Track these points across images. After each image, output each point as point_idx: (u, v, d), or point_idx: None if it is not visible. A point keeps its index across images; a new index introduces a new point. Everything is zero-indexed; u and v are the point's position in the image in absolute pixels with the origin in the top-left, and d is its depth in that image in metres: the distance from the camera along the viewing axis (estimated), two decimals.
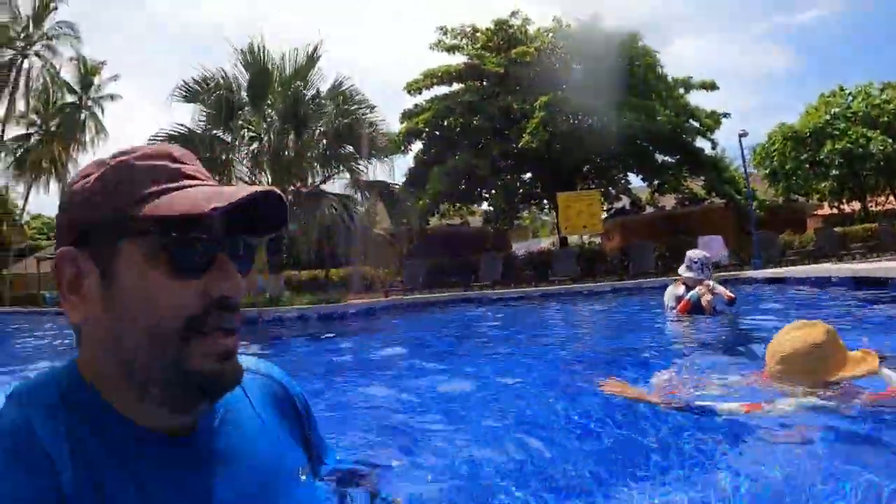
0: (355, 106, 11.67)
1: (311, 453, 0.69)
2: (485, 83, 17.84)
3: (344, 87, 11.37)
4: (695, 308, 4.13)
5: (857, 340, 2.83)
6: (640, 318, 5.96)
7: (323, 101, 11.43)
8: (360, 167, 11.74)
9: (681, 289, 4.37)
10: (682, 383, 1.93)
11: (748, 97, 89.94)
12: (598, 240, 21.90)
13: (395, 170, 19.56)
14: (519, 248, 23.16)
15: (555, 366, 3.31)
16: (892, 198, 21.61)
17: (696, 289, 4.17)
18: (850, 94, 20.44)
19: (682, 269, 4.39)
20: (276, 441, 0.63)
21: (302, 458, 0.65)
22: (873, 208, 21.43)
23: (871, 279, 5.28)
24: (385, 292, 13.44)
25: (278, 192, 0.55)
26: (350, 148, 11.60)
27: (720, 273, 10.24)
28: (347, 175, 11.74)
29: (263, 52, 10.65)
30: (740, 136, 15.24)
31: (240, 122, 10.65)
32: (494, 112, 16.76)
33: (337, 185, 12.13)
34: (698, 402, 1.65)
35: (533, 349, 4.21)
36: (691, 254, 4.35)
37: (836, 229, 16.34)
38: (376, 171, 11.89)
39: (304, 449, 0.68)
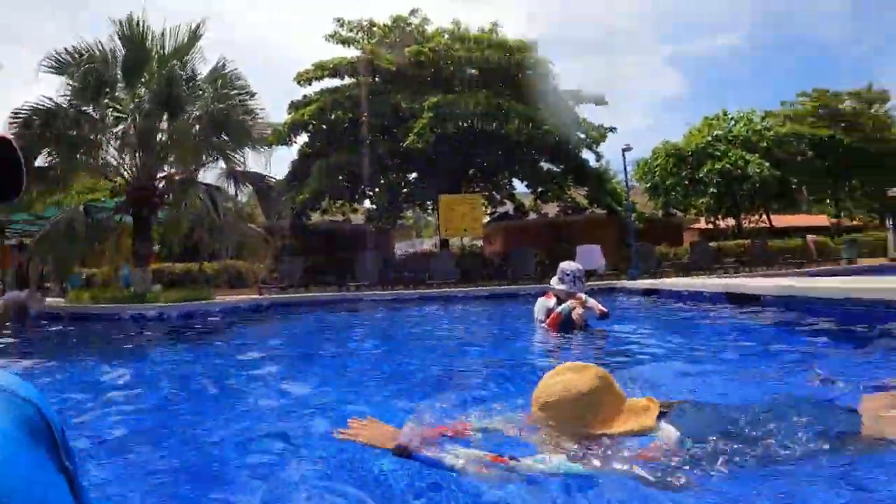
0: (235, 91, 12.54)
1: (74, 489, 0.60)
2: (376, 79, 19.89)
3: (226, 71, 12.27)
4: (565, 322, 4.46)
5: (722, 353, 3.55)
6: (509, 327, 6.71)
7: (201, 84, 12.30)
8: (236, 157, 12.57)
9: (552, 301, 4.72)
10: (433, 424, 1.90)
11: (641, 117, 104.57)
12: (479, 243, 24.82)
13: (280, 162, 20.69)
14: (402, 248, 25.08)
15: (372, 378, 3.75)
16: (764, 217, 26.05)
17: (568, 302, 4.51)
18: (732, 118, 25.12)
19: (554, 281, 4.76)
20: (28, 467, 0.53)
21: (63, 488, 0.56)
22: (747, 225, 25.81)
23: (742, 295, 6.12)
24: (259, 289, 14.66)
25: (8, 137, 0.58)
26: (226, 136, 12.31)
27: (597, 282, 12.29)
28: (224, 164, 12.62)
29: (143, 26, 11.29)
30: (624, 150, 18.44)
31: (106, 101, 11.25)
32: (384, 109, 18.77)
33: (212, 174, 12.99)
34: (435, 452, 1.60)
35: (371, 358, 4.82)
36: (564, 266, 4.73)
37: (711, 244, 20.27)
38: (253, 161, 12.77)
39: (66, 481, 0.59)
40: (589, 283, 10.97)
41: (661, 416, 1.64)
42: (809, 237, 21.05)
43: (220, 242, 12.40)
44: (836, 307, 4.41)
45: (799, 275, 13.47)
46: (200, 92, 12.11)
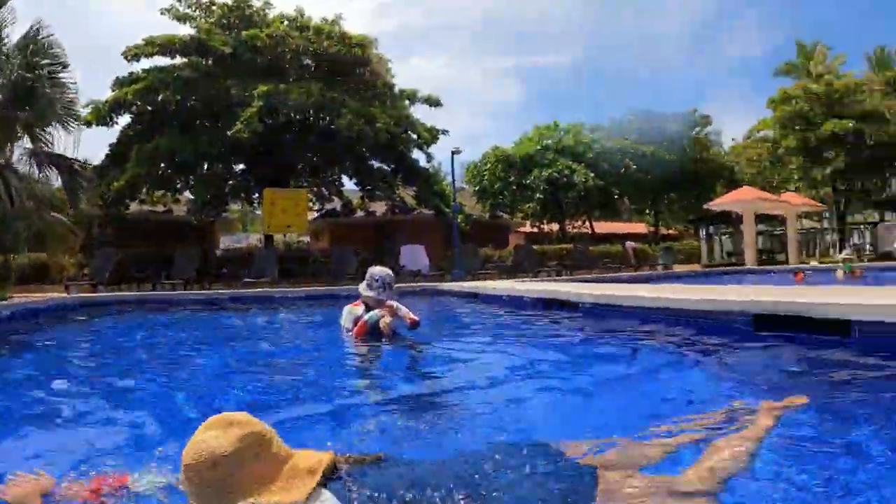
0: (47, 61, 12.95)
1: None
2: (209, 62, 21.53)
3: (41, 37, 12.65)
4: (373, 331, 4.62)
5: (530, 368, 3.98)
6: (317, 335, 6.95)
7: (7, 51, 12.66)
8: (43, 135, 13.21)
9: (360, 308, 4.92)
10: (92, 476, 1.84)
11: (478, 122, 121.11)
12: (307, 240, 27.89)
13: (99, 144, 21.04)
14: (228, 242, 27.18)
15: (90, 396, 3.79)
16: (587, 223, 31.79)
17: (376, 310, 4.69)
18: (563, 129, 30.19)
19: (362, 287, 4.92)
20: None
21: None
22: (570, 230, 31.45)
23: (560, 301, 6.80)
24: (66, 287, 15.26)
25: None
26: (30, 110, 12.66)
27: (419, 283, 13.69)
28: (31, 143, 13.25)
29: None
30: (453, 152, 22.01)
31: None
32: (214, 94, 20.43)
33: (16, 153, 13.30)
34: None
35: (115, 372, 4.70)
36: (374, 271, 4.92)
37: (535, 247, 25.00)
38: (64, 141, 13.28)
39: None
40: (411, 284, 13.82)
41: (335, 478, 1.50)
42: (628, 244, 26.00)
43: (12, 232, 12.30)
44: (657, 315, 5.24)
45: (615, 280, 15.77)
46: (5, 58, 12.50)
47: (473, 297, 10.24)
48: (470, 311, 9.45)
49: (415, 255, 19.99)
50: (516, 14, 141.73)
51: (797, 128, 31.68)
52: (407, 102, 24.10)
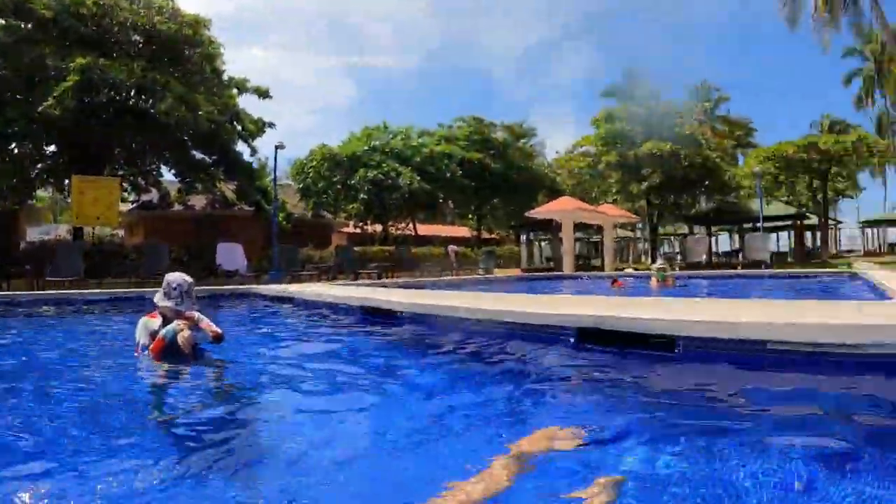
0: None
1: None
2: (29, 26, 21.74)
3: None
4: (170, 347, 4.67)
5: (334, 394, 4.18)
6: (114, 350, 6.33)
7: None
8: None
9: (157, 321, 5.01)
10: None
11: (310, 118, 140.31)
12: (121, 233, 29.90)
13: None
14: (36, 234, 28.09)
15: None
16: (411, 225, 35.93)
17: (175, 322, 4.77)
18: (392, 132, 34.30)
19: (158, 297, 5.00)
20: None
21: None
22: (394, 232, 35.55)
23: (378, 309, 7.27)
24: None
25: None
26: None
27: (233, 286, 13.87)
28: None
29: None
30: (277, 147, 23.74)
31: None
32: (28, 63, 20.79)
33: None
34: None
35: None
36: (171, 278, 5.01)
37: (357, 248, 28.26)
38: None
39: None
40: (223, 287, 13.25)
41: None
42: (451, 247, 29.93)
43: None
44: (478, 327, 5.67)
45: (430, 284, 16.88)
46: None
47: (289, 301, 10.60)
48: (283, 317, 9.84)
49: (232, 254, 20.83)
50: (356, 12, 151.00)
51: (618, 145, 37.94)
52: (235, 91, 26.32)
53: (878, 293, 9.62)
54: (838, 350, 3.50)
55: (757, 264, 22.14)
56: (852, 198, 62.73)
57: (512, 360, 4.81)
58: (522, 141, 46.03)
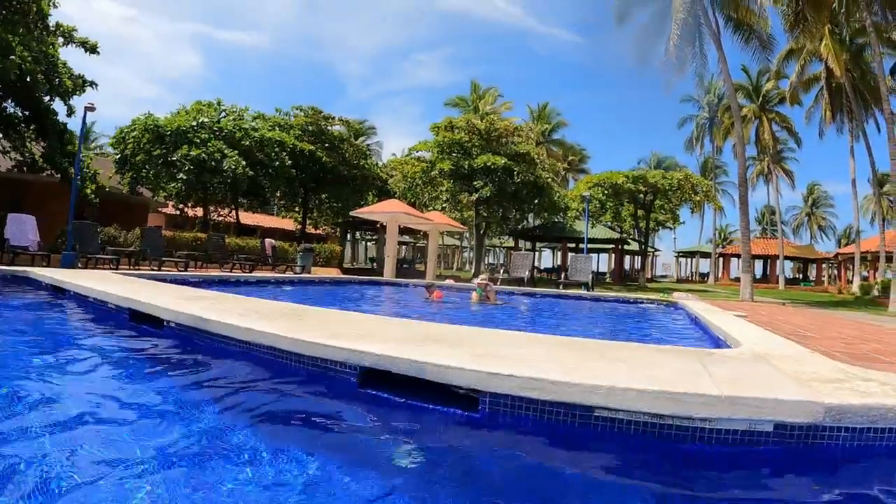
0: None
1: None
2: None
3: None
4: None
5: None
6: None
7: None
8: None
9: None
10: None
11: (150, 87, 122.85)
12: None
13: None
14: None
15: None
16: (234, 213, 35.14)
17: None
18: (224, 110, 33.67)
19: None
20: None
21: None
22: (215, 218, 34.38)
23: (145, 315, 6.38)
24: None
25: None
26: None
27: (13, 267, 12.51)
28: None
29: None
30: (87, 108, 21.62)
31: None
32: None
33: None
34: None
35: None
36: None
37: (168, 233, 27.48)
38: None
39: None
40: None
41: None
42: (267, 241, 29.69)
43: None
44: (252, 353, 4.79)
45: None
46: None
47: (61, 292, 9.29)
48: (50, 313, 8.43)
49: (22, 228, 18.84)
50: None
51: (454, 154, 38.99)
52: (61, 41, 24.84)
53: (701, 327, 9.51)
54: (687, 424, 3.11)
55: (578, 285, 23.09)
56: (671, 229, 67.16)
57: (261, 398, 4.11)
58: (361, 139, 46.40)
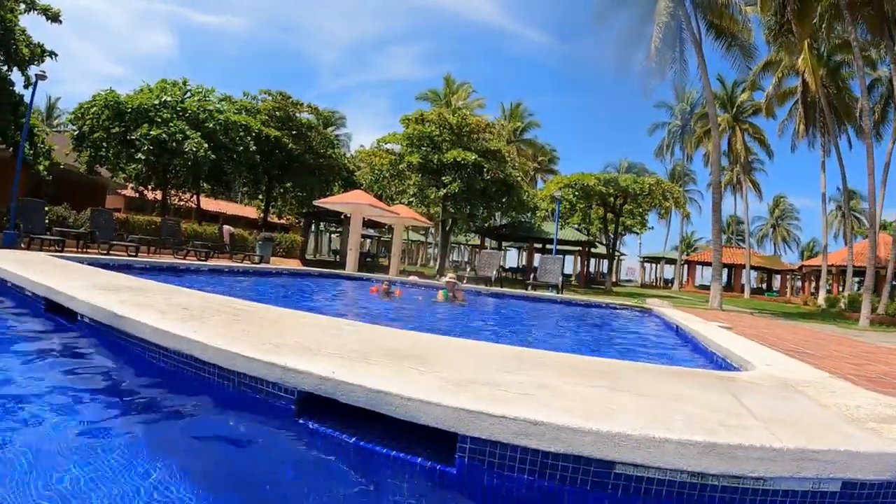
0: None
1: None
2: None
3: None
4: None
5: None
6: None
7: None
8: None
9: None
10: None
11: (119, 67, 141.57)
12: None
13: None
14: None
15: None
16: (195, 198, 33.96)
17: None
18: (189, 90, 33.10)
19: None
20: None
21: None
22: (175, 203, 33.29)
23: (59, 306, 5.57)
24: None
25: None
26: None
27: None
28: None
29: None
30: (38, 77, 21.36)
31: None
32: None
33: None
34: None
35: None
36: None
37: (120, 215, 25.87)
38: None
39: None
40: None
41: None
42: (225, 228, 28.72)
43: None
44: (167, 360, 3.90)
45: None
46: None
47: None
48: None
49: None
50: None
51: (424, 148, 38.12)
52: (23, 7, 24.14)
53: (688, 339, 8.88)
54: (735, 485, 2.42)
55: (547, 286, 22.38)
56: (637, 234, 67.17)
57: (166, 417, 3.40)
58: (330, 129, 45.41)
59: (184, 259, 20.85)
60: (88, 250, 19.13)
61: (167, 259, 18.97)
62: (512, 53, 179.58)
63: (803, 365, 5.43)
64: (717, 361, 6.53)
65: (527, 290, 22.08)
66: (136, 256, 18.68)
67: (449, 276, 14.61)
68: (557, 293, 21.29)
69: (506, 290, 20.51)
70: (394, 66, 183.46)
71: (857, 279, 43.60)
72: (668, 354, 8.48)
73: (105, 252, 18.53)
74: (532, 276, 26.75)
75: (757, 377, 4.38)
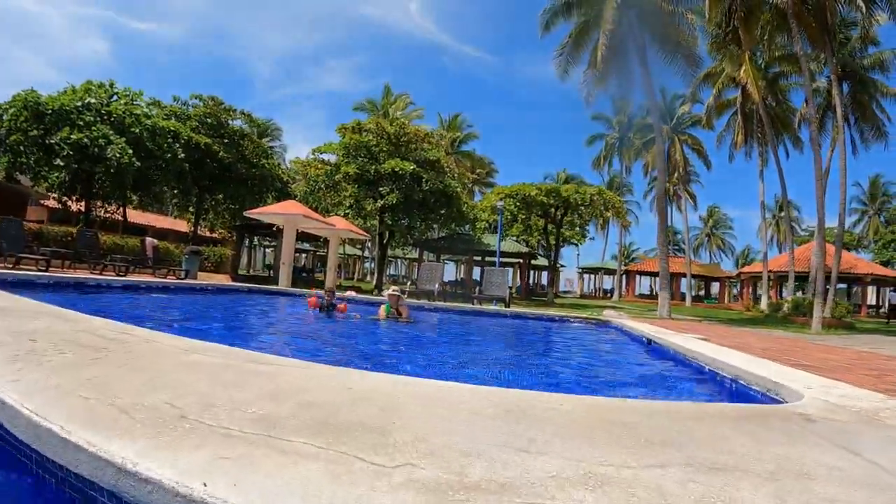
0: None
1: None
2: None
3: None
4: None
5: None
6: None
7: None
8: None
9: None
10: None
11: (53, 73, 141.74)
12: None
13: None
14: None
15: None
16: (122, 209, 31.99)
17: None
18: (116, 93, 31.59)
19: None
20: None
21: None
22: (100, 215, 31.37)
23: None
24: None
25: None
26: None
27: None
28: None
29: None
30: None
31: None
32: None
33: None
34: None
35: None
36: None
37: (32, 225, 25.23)
38: None
39: None
40: None
41: None
42: (148, 239, 27.09)
43: None
44: None
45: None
46: None
47: None
48: None
49: None
50: None
51: (360, 158, 36.80)
52: None
53: (671, 356, 7.94)
54: None
55: (492, 300, 21.27)
56: (576, 244, 67.01)
57: None
58: (265, 140, 43.91)
59: (99, 274, 19.03)
60: None
61: (82, 274, 17.15)
62: (449, 68, 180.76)
63: (840, 384, 4.65)
64: (728, 385, 5.46)
65: (473, 304, 20.91)
66: (45, 271, 17.03)
67: (392, 290, 13.11)
68: (505, 307, 20.27)
69: (450, 304, 19.65)
70: (330, 78, 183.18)
71: (794, 284, 43.97)
72: (667, 378, 7.10)
73: (10, 266, 16.90)
74: (477, 289, 25.70)
75: (820, 410, 3.51)
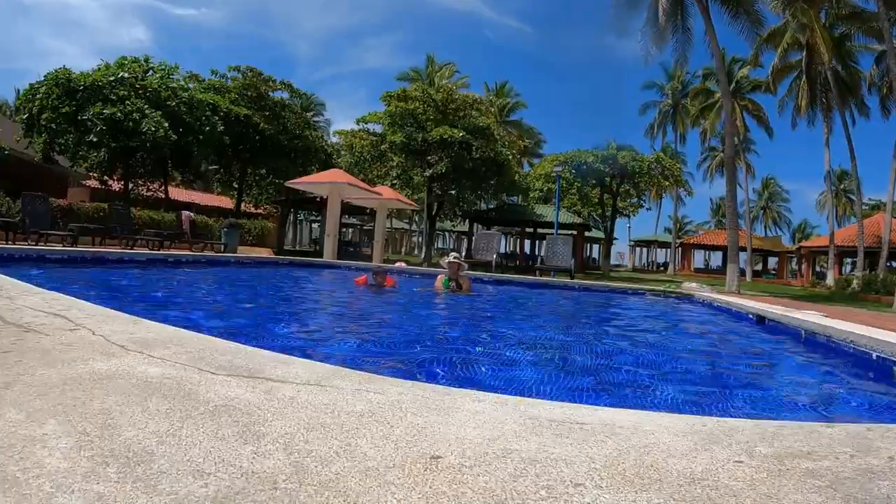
0: None
1: None
2: None
3: None
4: None
5: None
6: None
7: None
8: None
9: None
10: None
11: (91, 60, 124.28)
12: None
13: None
14: None
15: None
16: (164, 186, 30.85)
17: None
18: (151, 67, 30.34)
19: None
20: None
21: None
22: (142, 193, 30.52)
23: None
24: None
25: None
26: None
27: None
28: None
29: None
30: None
31: None
32: None
33: None
34: None
35: None
36: None
37: (62, 201, 24.40)
38: None
39: None
40: None
41: None
42: (184, 213, 25.90)
43: None
44: None
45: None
46: None
47: None
48: None
49: None
50: None
51: (407, 127, 35.10)
52: None
53: (782, 332, 6.62)
54: None
55: (553, 271, 19.57)
56: (629, 216, 64.41)
57: None
58: (309, 115, 42.52)
59: (131, 249, 18.13)
60: (15, 241, 16.36)
61: (112, 249, 16.26)
62: (491, 41, 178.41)
63: None
64: None
65: (535, 275, 19.17)
66: (72, 246, 15.95)
67: (453, 256, 11.63)
68: (570, 278, 18.49)
69: (511, 276, 18.23)
70: (371, 56, 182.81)
71: (864, 259, 41.11)
72: (830, 374, 5.29)
73: (34, 243, 15.81)
74: (539, 260, 23.99)
75: None
